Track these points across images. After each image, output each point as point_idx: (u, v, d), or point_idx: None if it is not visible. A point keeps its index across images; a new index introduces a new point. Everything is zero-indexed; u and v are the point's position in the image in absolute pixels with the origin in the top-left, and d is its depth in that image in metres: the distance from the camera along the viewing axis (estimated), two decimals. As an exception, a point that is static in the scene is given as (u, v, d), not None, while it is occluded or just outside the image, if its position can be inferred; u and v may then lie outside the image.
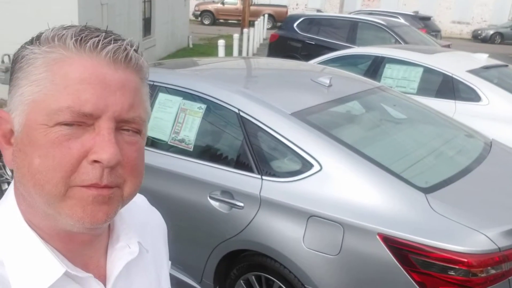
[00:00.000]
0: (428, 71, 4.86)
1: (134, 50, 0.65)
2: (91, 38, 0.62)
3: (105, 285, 0.71)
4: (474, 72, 4.64)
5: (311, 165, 2.31)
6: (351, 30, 8.91)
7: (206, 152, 2.76)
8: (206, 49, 14.87)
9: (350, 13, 15.48)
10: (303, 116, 2.50)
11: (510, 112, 4.26)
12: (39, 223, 0.66)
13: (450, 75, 4.66)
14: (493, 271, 1.95)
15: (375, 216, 2.09)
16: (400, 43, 8.20)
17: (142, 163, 0.69)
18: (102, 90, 0.61)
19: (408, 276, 1.99)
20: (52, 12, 6.53)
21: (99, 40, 0.62)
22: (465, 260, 1.91)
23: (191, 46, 15.59)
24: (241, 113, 2.57)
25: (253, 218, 2.38)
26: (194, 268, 2.69)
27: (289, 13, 17.82)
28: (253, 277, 2.52)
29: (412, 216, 2.06)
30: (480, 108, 4.39)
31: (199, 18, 25.20)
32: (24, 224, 0.66)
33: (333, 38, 8.92)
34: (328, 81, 2.95)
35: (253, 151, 2.50)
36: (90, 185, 0.61)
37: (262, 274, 2.47)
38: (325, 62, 5.61)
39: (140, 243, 0.78)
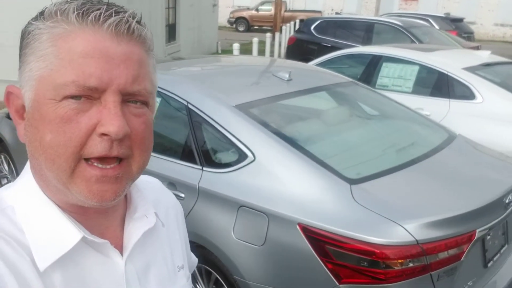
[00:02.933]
0: (423, 69, 4.70)
1: (137, 21, 0.64)
2: (93, 11, 0.62)
3: (121, 254, 0.73)
4: (470, 69, 4.45)
5: (246, 156, 2.30)
6: (367, 31, 8.76)
7: (157, 145, 2.79)
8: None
9: (381, 15, 15.19)
10: (245, 109, 2.49)
11: (505, 109, 4.06)
12: (52, 196, 0.68)
13: (445, 72, 4.49)
14: (410, 264, 1.87)
15: (297, 206, 2.05)
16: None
17: (151, 136, 0.69)
18: (105, 64, 0.61)
19: (324, 267, 1.94)
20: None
21: (101, 13, 0.62)
22: (379, 251, 1.84)
23: (219, 51, 15.83)
24: (189, 105, 2.60)
25: (191, 209, 2.39)
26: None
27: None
28: (195, 269, 2.53)
29: (333, 207, 2.01)
30: (474, 106, 4.21)
31: (234, 25, 25.48)
32: (42, 194, 0.68)
33: (349, 40, 8.78)
34: (287, 75, 2.93)
35: (196, 143, 2.52)
36: (100, 156, 0.62)
37: (202, 265, 2.47)
38: (324, 63, 5.55)
39: (157, 215, 0.79)
